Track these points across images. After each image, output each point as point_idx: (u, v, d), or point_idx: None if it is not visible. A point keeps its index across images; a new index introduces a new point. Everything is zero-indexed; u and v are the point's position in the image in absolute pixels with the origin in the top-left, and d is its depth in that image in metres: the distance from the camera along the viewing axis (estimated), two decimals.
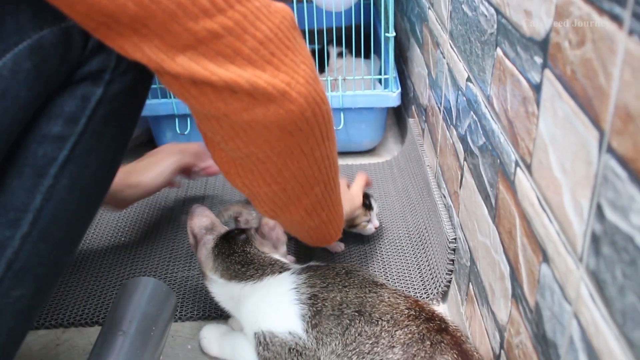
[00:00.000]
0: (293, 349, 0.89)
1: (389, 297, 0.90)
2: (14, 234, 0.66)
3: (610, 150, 0.50)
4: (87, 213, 0.75)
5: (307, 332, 0.89)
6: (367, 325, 0.86)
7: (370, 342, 0.84)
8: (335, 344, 0.86)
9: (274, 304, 0.94)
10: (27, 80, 0.61)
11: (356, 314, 0.87)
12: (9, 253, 0.67)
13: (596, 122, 0.52)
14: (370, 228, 1.28)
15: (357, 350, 0.84)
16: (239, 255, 1.01)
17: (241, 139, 0.68)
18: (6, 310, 0.69)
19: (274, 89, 0.63)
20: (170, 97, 1.54)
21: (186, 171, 1.29)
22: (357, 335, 0.85)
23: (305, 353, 0.88)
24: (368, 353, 0.83)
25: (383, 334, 0.84)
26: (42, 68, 0.61)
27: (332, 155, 0.80)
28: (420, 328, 0.84)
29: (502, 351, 0.83)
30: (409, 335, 0.83)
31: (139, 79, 0.70)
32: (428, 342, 0.82)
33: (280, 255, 1.05)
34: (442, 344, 0.82)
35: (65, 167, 0.67)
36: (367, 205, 1.27)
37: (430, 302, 1.17)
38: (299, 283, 0.94)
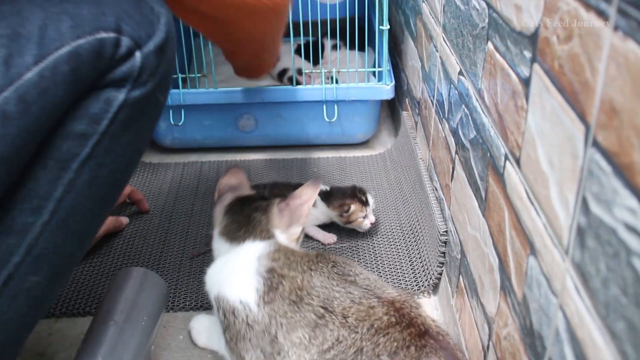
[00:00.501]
0: (243, 320, 0.88)
1: (360, 298, 0.86)
2: (35, 220, 0.71)
3: (596, 145, 0.50)
4: (101, 212, 0.81)
5: (258, 306, 0.87)
6: (345, 330, 0.83)
7: (353, 351, 0.81)
8: (301, 336, 0.84)
9: (235, 269, 0.94)
10: (64, 82, 0.67)
11: (323, 310, 0.85)
12: (30, 238, 0.71)
13: (582, 117, 0.53)
14: (367, 224, 1.29)
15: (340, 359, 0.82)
16: (243, 217, 1.01)
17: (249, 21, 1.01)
18: (21, 295, 0.73)
19: None
20: None
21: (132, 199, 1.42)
22: (335, 341, 0.83)
23: (254, 327, 0.87)
24: None
25: (365, 342, 0.81)
26: (77, 72, 0.67)
27: (282, 27, 1.16)
28: (404, 334, 0.82)
29: (490, 343, 0.83)
30: (394, 344, 0.81)
31: (157, 90, 0.76)
32: (412, 348, 0.81)
33: (288, 235, 1.02)
34: (426, 348, 0.81)
35: (85, 164, 0.73)
36: (363, 201, 1.29)
37: (422, 294, 1.18)
38: (264, 254, 0.93)
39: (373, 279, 0.92)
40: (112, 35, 0.69)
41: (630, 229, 0.45)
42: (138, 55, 0.72)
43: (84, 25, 0.67)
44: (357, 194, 1.30)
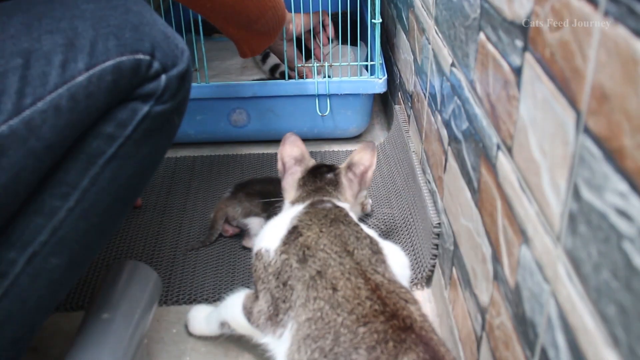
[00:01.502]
0: (263, 263, 0.94)
1: (349, 274, 0.86)
2: (62, 205, 0.81)
3: (586, 131, 0.51)
4: (117, 210, 0.90)
5: (275, 252, 0.93)
6: (329, 307, 0.83)
7: (331, 338, 0.80)
8: (300, 292, 0.86)
9: (272, 227, 0.99)
10: (106, 89, 0.79)
11: (318, 275, 0.87)
12: (56, 221, 0.81)
13: (573, 103, 0.53)
14: (370, 203, 1.36)
15: (318, 346, 0.81)
16: (317, 188, 1.06)
17: None
18: (42, 275, 0.81)
19: None
20: None
21: None
22: (319, 313, 0.83)
23: (268, 270, 0.92)
24: (330, 351, 0.79)
25: (343, 329, 0.80)
26: (117, 83, 0.79)
27: None
28: (385, 327, 0.79)
29: (483, 333, 0.84)
30: (374, 335, 0.78)
31: (174, 111, 0.88)
32: (391, 343, 0.77)
33: (357, 200, 1.11)
34: (405, 343, 0.77)
35: (110, 162, 0.83)
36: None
37: (415, 286, 1.18)
38: (296, 215, 0.98)
39: (371, 254, 0.91)
40: (147, 57, 0.82)
41: (621, 213, 0.45)
42: (164, 77, 0.84)
43: (127, 45, 0.80)
44: None
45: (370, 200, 1.34)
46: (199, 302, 1.15)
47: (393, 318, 0.80)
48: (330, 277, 0.86)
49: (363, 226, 0.98)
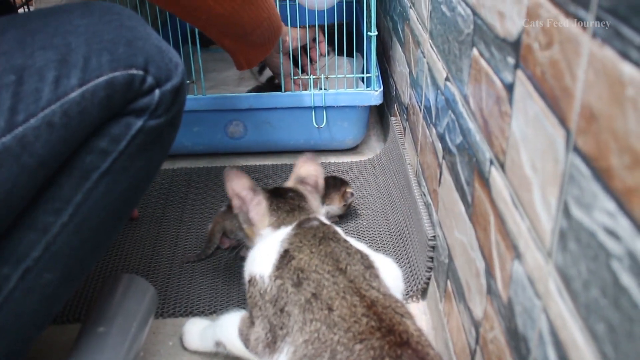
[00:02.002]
0: (258, 290, 0.93)
1: (344, 292, 0.86)
2: (56, 220, 0.81)
3: (576, 149, 0.51)
4: (111, 225, 0.90)
5: (270, 278, 0.92)
6: (326, 327, 0.82)
7: (328, 355, 0.80)
8: (297, 317, 0.85)
9: (263, 251, 0.98)
10: (99, 105, 0.79)
11: (313, 297, 0.86)
12: (49, 236, 0.81)
13: (563, 122, 0.54)
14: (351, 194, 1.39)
15: None
16: (293, 207, 1.06)
17: (214, 6, 1.09)
18: (36, 290, 0.81)
19: None
20: None
21: None
22: (316, 334, 0.83)
23: (265, 297, 0.91)
24: None
25: (339, 347, 0.80)
26: (111, 98, 0.80)
27: (268, 3, 1.22)
28: (382, 343, 0.79)
29: (477, 347, 0.84)
30: (371, 352, 0.78)
31: (168, 125, 0.88)
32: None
33: (321, 210, 1.13)
34: (402, 359, 0.77)
35: (103, 177, 0.83)
36: (347, 182, 1.40)
37: (410, 299, 1.19)
38: (286, 238, 0.97)
39: (363, 270, 0.91)
40: (140, 72, 0.82)
41: (609, 231, 0.46)
42: (157, 92, 0.84)
43: (120, 61, 0.80)
44: (342, 181, 1.40)
45: (352, 192, 1.38)
46: (196, 315, 1.16)
47: (389, 334, 0.80)
48: (326, 297, 0.86)
49: (352, 240, 0.99)
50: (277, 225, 1.04)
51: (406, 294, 1.19)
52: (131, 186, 0.88)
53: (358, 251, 0.95)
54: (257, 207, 1.06)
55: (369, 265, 0.92)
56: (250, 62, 1.35)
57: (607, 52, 0.45)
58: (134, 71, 0.81)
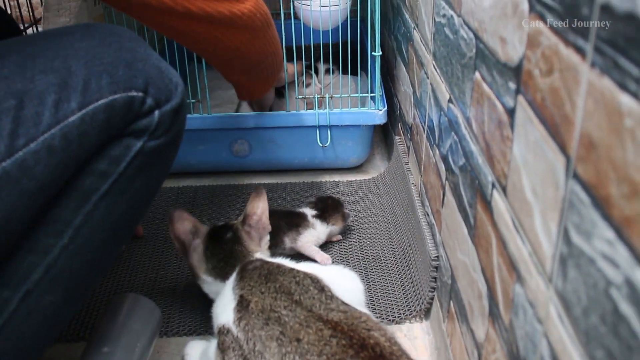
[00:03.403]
0: (228, 339, 0.92)
1: (306, 322, 0.86)
2: (56, 242, 0.81)
3: (576, 176, 0.52)
4: (111, 246, 0.90)
5: (235, 324, 0.91)
6: (299, 357, 0.83)
7: None
8: (270, 356, 0.85)
9: (223, 302, 0.98)
10: (99, 127, 0.79)
11: (280, 334, 0.86)
12: (50, 258, 0.81)
13: (563, 149, 0.54)
14: (349, 215, 1.42)
15: None
16: (226, 253, 1.08)
17: (222, 42, 1.12)
18: (37, 312, 0.81)
19: (240, 12, 1.08)
20: None
21: None
22: None
23: (236, 346, 0.90)
24: None
25: None
26: (110, 121, 0.80)
27: (274, 39, 1.25)
28: None
29: None
30: None
31: (167, 146, 0.89)
32: None
33: (263, 245, 1.14)
34: None
35: (104, 198, 0.83)
36: (345, 216, 1.41)
37: (413, 318, 1.19)
38: (235, 284, 0.98)
39: (317, 294, 0.92)
40: (140, 94, 0.82)
41: (608, 259, 0.46)
42: (157, 113, 0.85)
43: (119, 83, 0.81)
44: (339, 201, 1.43)
45: (349, 212, 1.42)
46: (200, 334, 1.16)
47: (362, 349, 0.81)
48: (290, 331, 0.86)
49: (301, 264, 1.00)
50: (215, 275, 1.08)
51: (409, 314, 1.19)
52: (131, 206, 0.89)
53: (307, 276, 0.96)
54: (194, 253, 1.11)
55: (321, 288, 0.93)
56: (252, 95, 1.39)
57: (606, 82, 0.46)
58: (133, 93, 0.82)
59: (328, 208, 1.40)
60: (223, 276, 1.06)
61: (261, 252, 1.10)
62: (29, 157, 0.74)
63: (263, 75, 1.31)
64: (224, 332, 0.93)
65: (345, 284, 0.98)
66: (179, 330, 1.17)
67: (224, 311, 0.95)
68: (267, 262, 1.01)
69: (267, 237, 1.16)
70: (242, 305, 0.93)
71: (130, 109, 0.82)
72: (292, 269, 0.98)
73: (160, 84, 0.85)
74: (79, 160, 0.80)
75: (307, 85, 1.69)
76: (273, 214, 1.33)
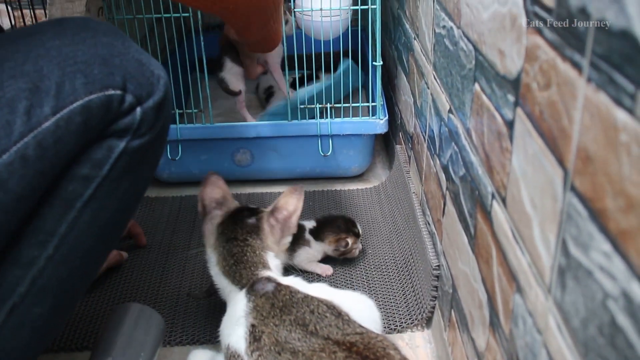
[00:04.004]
0: None
1: (322, 347, 0.86)
2: (40, 253, 0.78)
3: (573, 189, 0.53)
4: (101, 250, 0.88)
5: (247, 354, 0.89)
6: None
7: None
8: None
9: (234, 323, 0.95)
10: (76, 131, 0.76)
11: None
12: (35, 270, 0.78)
13: (561, 162, 0.55)
14: (357, 252, 1.36)
15: None
16: (238, 244, 1.03)
17: None
18: (25, 325, 0.79)
19: None
20: None
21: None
22: None
23: None
24: None
25: None
26: (88, 123, 0.76)
27: None
28: None
29: None
30: None
31: (154, 142, 0.85)
32: None
33: (281, 247, 1.07)
34: None
35: (88, 204, 0.80)
36: (356, 233, 1.35)
37: (415, 327, 1.20)
38: (248, 311, 0.94)
39: (334, 320, 0.90)
40: (118, 92, 0.78)
41: (605, 272, 0.47)
42: (139, 110, 0.81)
43: (95, 82, 0.77)
44: (350, 228, 1.34)
45: (360, 245, 1.36)
46: (203, 343, 1.17)
47: None
48: (302, 358, 0.84)
49: (314, 289, 0.96)
50: (222, 269, 1.03)
51: (411, 322, 1.19)
52: (119, 209, 0.86)
53: (322, 303, 0.92)
54: (209, 222, 1.07)
55: (338, 314, 0.91)
56: (266, 47, 1.35)
57: (602, 97, 0.47)
58: (111, 92, 0.78)
59: (327, 226, 1.35)
60: (231, 276, 1.02)
61: (276, 255, 1.05)
62: (2, 169, 0.70)
63: (276, 26, 1.23)
64: (234, 356, 0.91)
65: (363, 312, 0.95)
66: (182, 339, 1.18)
67: (234, 333, 0.92)
68: (280, 288, 0.96)
69: (289, 239, 1.09)
70: (255, 336, 0.90)
71: (109, 109, 0.78)
72: (306, 297, 0.94)
73: (140, 78, 0.81)
74: (58, 167, 0.76)
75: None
76: None
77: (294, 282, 0.99)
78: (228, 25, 1.34)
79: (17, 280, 0.77)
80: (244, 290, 0.98)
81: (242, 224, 1.06)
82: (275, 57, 1.59)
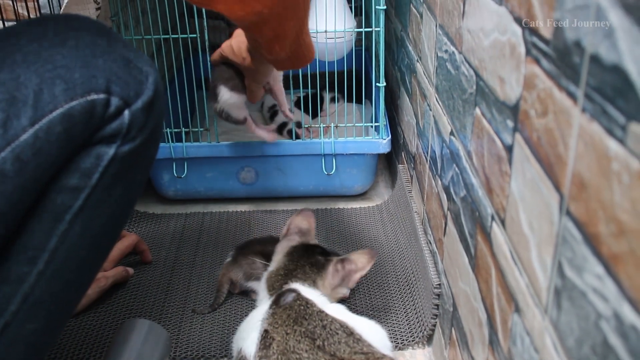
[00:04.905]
0: None
1: None
2: (31, 270, 0.75)
3: (569, 214, 0.55)
4: (94, 261, 0.85)
5: (255, 358, 0.92)
6: None
7: None
8: None
9: (249, 327, 0.99)
10: (57, 141, 0.72)
11: None
12: (26, 287, 0.75)
13: (557, 187, 0.58)
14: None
15: None
16: (297, 266, 1.09)
17: None
18: (19, 342, 0.77)
19: None
20: (168, 142, 1.59)
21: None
22: None
23: None
24: None
25: None
26: (70, 132, 0.72)
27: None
28: None
29: None
30: None
31: (145, 145, 0.81)
32: None
33: (333, 294, 1.11)
34: None
35: (78, 215, 0.77)
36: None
37: (416, 345, 1.21)
38: (265, 316, 0.98)
39: (345, 337, 0.93)
40: (102, 96, 0.74)
41: (598, 293, 0.49)
42: (127, 113, 0.77)
43: (76, 88, 0.73)
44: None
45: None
46: (207, 359, 1.19)
47: None
48: None
49: (330, 308, 0.99)
50: (270, 282, 1.07)
51: (412, 340, 1.21)
52: (112, 217, 0.82)
53: (336, 320, 0.95)
54: (286, 242, 1.12)
55: (350, 332, 0.94)
56: (297, 63, 1.15)
57: (595, 127, 0.49)
58: (93, 96, 0.73)
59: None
60: (270, 285, 1.07)
61: (328, 298, 1.07)
62: None
63: (308, 38, 1.10)
64: (244, 359, 0.94)
65: (373, 333, 0.98)
66: (186, 354, 1.20)
67: (248, 337, 0.96)
68: (299, 299, 0.99)
69: (343, 292, 1.13)
70: (265, 342, 0.92)
71: (93, 115, 0.74)
72: (321, 312, 0.96)
73: (127, 78, 0.76)
74: (41, 180, 0.73)
75: None
76: (270, 241, 1.34)
77: (316, 297, 1.03)
78: (252, 45, 1.17)
79: (8, 299, 0.75)
80: (271, 299, 1.02)
81: (311, 255, 1.12)
82: (278, 77, 1.48)
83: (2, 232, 0.72)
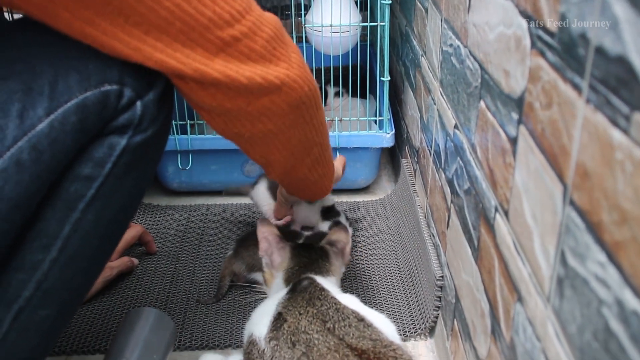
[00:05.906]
0: (255, 351, 0.93)
1: (335, 350, 0.88)
2: (45, 257, 0.77)
3: (572, 203, 0.56)
4: (105, 249, 0.87)
5: (265, 340, 0.93)
6: None
7: None
8: None
9: (262, 312, 1.00)
10: (72, 131, 0.73)
11: (304, 356, 0.88)
12: (39, 274, 0.77)
13: (561, 177, 0.59)
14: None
15: None
16: (309, 259, 1.11)
17: (260, 121, 0.87)
18: (32, 328, 0.79)
19: (278, 78, 0.83)
20: (173, 134, 1.60)
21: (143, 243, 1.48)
22: None
23: (263, 357, 0.92)
24: None
25: None
26: (84, 122, 0.74)
27: (323, 121, 1.00)
28: None
29: None
30: None
31: (156, 136, 0.82)
32: None
33: (339, 274, 1.15)
34: None
35: (91, 204, 0.78)
36: None
37: (418, 336, 1.22)
38: (280, 300, 0.99)
39: (356, 322, 0.94)
40: (115, 87, 0.75)
41: (600, 280, 0.50)
42: (139, 104, 0.78)
43: (90, 78, 0.74)
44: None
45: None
46: (211, 348, 1.20)
47: None
48: (316, 355, 0.87)
49: (344, 297, 1.01)
50: (287, 276, 1.08)
51: (414, 332, 1.22)
52: (123, 207, 0.84)
53: (347, 307, 0.97)
54: (281, 250, 1.12)
55: (361, 318, 0.94)
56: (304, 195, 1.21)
57: (599, 117, 0.50)
58: (107, 87, 0.74)
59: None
60: (286, 279, 1.08)
61: (337, 279, 1.11)
62: None
63: (320, 172, 1.08)
64: (253, 342, 0.95)
65: (381, 324, 0.98)
66: (191, 344, 1.21)
67: (261, 322, 0.96)
68: (314, 284, 1.01)
69: (343, 269, 1.18)
70: (278, 324, 0.94)
71: (106, 105, 0.75)
72: (334, 297, 0.98)
73: (140, 70, 0.76)
74: (56, 169, 0.74)
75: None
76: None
77: (331, 286, 1.04)
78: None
79: (22, 285, 0.76)
80: (288, 287, 1.04)
81: (313, 248, 1.14)
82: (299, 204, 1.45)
83: (18, 220, 0.73)
